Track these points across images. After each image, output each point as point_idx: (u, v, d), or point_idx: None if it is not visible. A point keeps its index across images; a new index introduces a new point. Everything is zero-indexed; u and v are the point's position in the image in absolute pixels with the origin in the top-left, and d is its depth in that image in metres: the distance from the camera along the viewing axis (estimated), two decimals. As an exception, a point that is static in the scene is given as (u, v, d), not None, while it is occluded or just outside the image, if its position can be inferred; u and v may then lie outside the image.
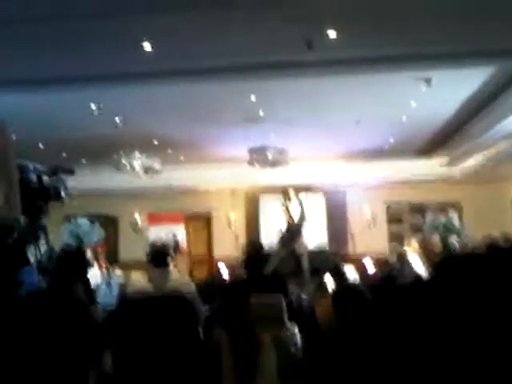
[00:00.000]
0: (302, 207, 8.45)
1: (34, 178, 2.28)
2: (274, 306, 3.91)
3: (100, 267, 8.88)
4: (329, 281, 6.68)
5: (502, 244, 7.62)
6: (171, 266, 4.57)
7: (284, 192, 8.72)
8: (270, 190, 11.96)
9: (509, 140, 8.98)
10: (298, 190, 13.09)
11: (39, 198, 2.24)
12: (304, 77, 6.53)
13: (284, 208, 8.52)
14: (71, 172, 2.45)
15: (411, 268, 7.51)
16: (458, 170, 11.92)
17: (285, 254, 7.89)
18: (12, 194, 1.89)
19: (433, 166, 12.07)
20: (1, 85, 6.51)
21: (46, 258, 2.42)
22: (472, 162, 11.09)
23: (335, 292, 3.59)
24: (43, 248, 2.33)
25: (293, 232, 8.40)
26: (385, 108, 8.19)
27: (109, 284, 7.40)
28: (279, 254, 6.64)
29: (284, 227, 8.51)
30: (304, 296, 7.72)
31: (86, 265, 5.28)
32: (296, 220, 8.42)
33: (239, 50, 5.74)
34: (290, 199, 8.49)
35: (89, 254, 8.09)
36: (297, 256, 8.33)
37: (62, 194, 2.33)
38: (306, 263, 8.42)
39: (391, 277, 7.43)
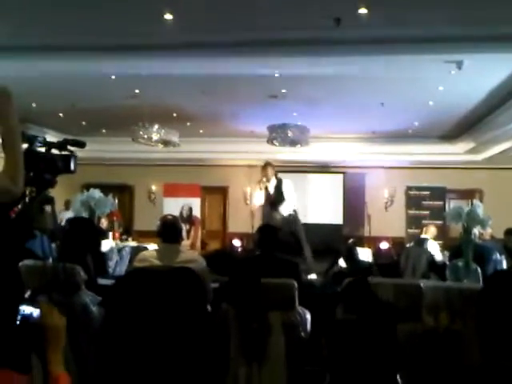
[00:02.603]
0: (279, 187, 8.16)
1: (42, 150, 2.17)
2: (285, 288, 3.83)
3: (114, 237, 8.90)
4: (341, 264, 6.61)
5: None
6: (184, 240, 4.49)
7: (262, 170, 8.33)
8: (289, 167, 11.83)
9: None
10: (315, 169, 13.03)
11: (47, 170, 2.13)
12: (330, 55, 6.33)
13: (262, 186, 8.21)
14: (82, 145, 2.33)
15: (428, 253, 7.40)
16: (481, 156, 11.68)
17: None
18: (17, 166, 1.78)
19: (456, 152, 11.84)
20: (21, 52, 6.42)
21: (52, 229, 2.33)
22: (496, 149, 10.83)
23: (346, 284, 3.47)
24: (49, 220, 2.23)
25: (272, 205, 8.17)
26: (411, 91, 7.97)
27: (121, 254, 7.40)
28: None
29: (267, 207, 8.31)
30: (314, 276, 7.62)
31: (97, 235, 5.25)
32: (274, 198, 8.16)
33: (264, 25, 5.57)
34: (268, 179, 8.16)
35: (104, 223, 8.10)
36: (295, 235, 8.14)
37: (72, 167, 2.22)
38: (304, 240, 8.22)
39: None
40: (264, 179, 8.19)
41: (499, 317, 1.51)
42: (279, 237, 4.52)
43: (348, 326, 2.43)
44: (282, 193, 8.10)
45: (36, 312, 1.71)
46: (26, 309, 1.71)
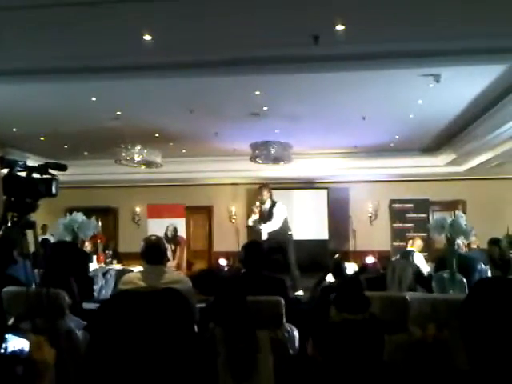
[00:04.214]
0: (271, 209, 8.42)
1: (23, 174, 2.15)
2: (272, 305, 3.82)
3: (98, 260, 8.84)
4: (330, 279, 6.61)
5: (504, 244, 7.56)
6: (169, 261, 4.47)
7: (259, 192, 8.65)
8: (273, 184, 11.85)
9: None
10: (299, 185, 13.09)
11: (28, 194, 2.11)
12: (310, 72, 6.39)
13: (257, 206, 8.48)
14: (63, 168, 2.32)
15: (414, 266, 7.44)
16: (463, 168, 11.80)
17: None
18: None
19: (438, 164, 11.96)
20: (1, 76, 6.40)
21: (34, 253, 2.31)
22: (477, 160, 10.96)
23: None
24: (31, 245, 2.21)
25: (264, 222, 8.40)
26: (391, 104, 8.05)
27: (106, 277, 7.34)
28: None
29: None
30: (300, 293, 7.64)
31: (83, 259, 5.21)
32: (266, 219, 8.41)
33: (244, 43, 5.61)
34: (263, 201, 8.45)
35: (87, 246, 8.04)
36: (283, 250, 8.29)
37: (53, 190, 2.20)
38: (292, 258, 8.36)
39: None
40: (259, 201, 8.45)
41: (484, 324, 1.52)
42: (266, 254, 4.51)
43: (340, 327, 2.43)
44: (271, 214, 8.31)
45: (26, 346, 1.68)
46: (15, 343, 1.67)
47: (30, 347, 1.66)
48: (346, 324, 2.52)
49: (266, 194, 8.49)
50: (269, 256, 7.39)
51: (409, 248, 8.16)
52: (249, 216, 9.00)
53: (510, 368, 1.48)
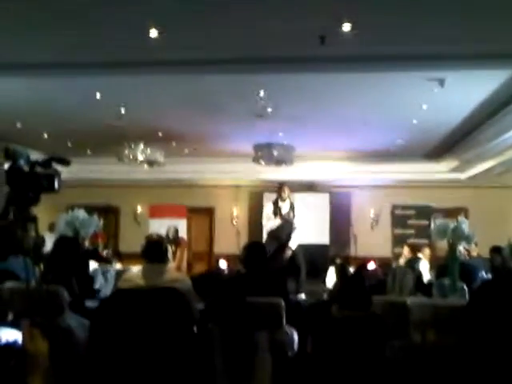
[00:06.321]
0: (293, 208, 8.40)
1: (26, 167, 2.14)
2: (272, 306, 3.80)
3: (99, 259, 8.80)
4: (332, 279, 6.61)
5: (507, 252, 7.55)
6: (169, 262, 4.45)
7: (279, 190, 8.64)
8: (275, 187, 11.84)
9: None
10: (300, 188, 13.07)
11: (31, 188, 2.10)
12: (315, 73, 6.38)
13: (275, 206, 8.46)
14: (67, 162, 2.30)
15: (416, 272, 7.44)
16: (466, 174, 11.78)
17: (277, 252, 7.85)
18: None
19: (441, 170, 11.93)
20: (5, 69, 6.39)
21: (35, 248, 2.29)
22: (480, 167, 10.94)
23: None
24: (32, 239, 2.20)
25: (282, 229, 8.38)
26: (395, 108, 8.03)
27: (105, 276, 7.32)
28: (270, 250, 6.61)
29: (274, 224, 8.49)
30: (302, 297, 7.62)
31: (84, 256, 5.19)
32: (287, 218, 8.38)
33: (249, 43, 5.60)
34: (283, 199, 8.43)
35: (87, 244, 8.01)
36: (292, 254, 8.28)
37: (56, 185, 2.19)
38: (301, 262, 8.34)
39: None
40: (280, 200, 8.44)
41: (487, 325, 1.50)
42: (267, 254, 4.50)
43: (343, 324, 2.41)
44: (292, 223, 8.34)
45: (19, 337, 1.67)
46: (8, 334, 1.67)
47: (24, 338, 1.65)
48: (348, 320, 2.50)
49: (286, 191, 8.52)
50: (276, 259, 7.45)
51: (419, 255, 8.27)
52: (252, 217, 8.99)
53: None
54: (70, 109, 8.25)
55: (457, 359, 1.85)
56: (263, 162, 10.77)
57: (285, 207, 8.42)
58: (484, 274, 6.69)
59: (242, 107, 8.11)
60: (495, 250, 7.50)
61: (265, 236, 8.74)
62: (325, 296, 6.72)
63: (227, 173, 12.37)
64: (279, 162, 10.75)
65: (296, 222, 8.35)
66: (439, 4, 4.65)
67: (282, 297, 3.89)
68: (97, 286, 6.89)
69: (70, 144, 10.72)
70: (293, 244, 8.35)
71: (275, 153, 10.42)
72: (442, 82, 6.44)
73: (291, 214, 8.36)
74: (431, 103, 7.48)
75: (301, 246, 8.60)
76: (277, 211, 8.40)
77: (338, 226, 13.11)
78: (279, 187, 8.69)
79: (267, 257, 4.44)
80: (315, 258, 11.36)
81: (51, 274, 3.73)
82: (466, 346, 1.59)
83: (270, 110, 8.12)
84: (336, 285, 6.35)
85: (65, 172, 2.31)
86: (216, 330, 3.73)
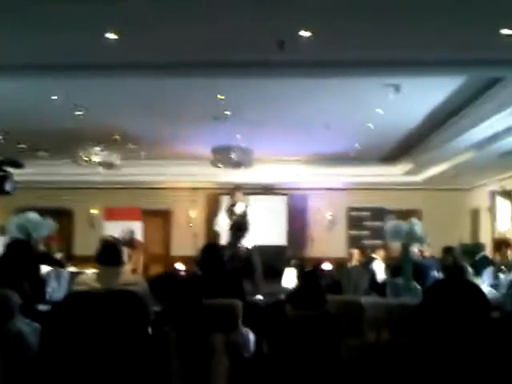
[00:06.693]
0: (245, 211, 8.42)
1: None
2: (228, 308, 3.80)
3: (51, 262, 8.60)
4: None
5: (458, 253, 7.77)
6: (124, 264, 4.39)
7: (232, 193, 8.64)
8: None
9: (472, 151, 9.07)
10: (258, 191, 13.11)
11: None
12: (273, 77, 6.41)
13: (228, 209, 8.47)
14: (20, 165, 2.25)
15: (371, 272, 7.58)
16: (420, 177, 12.04)
17: (231, 253, 7.86)
18: None
19: (396, 173, 12.16)
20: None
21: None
22: (434, 170, 11.20)
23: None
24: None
25: (237, 231, 8.38)
26: (352, 113, 8.14)
27: (58, 279, 7.17)
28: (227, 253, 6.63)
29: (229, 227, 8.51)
30: (260, 298, 7.64)
31: (36, 259, 5.07)
32: (240, 221, 8.40)
33: (208, 46, 5.57)
34: (235, 203, 8.44)
35: (40, 248, 7.83)
36: (247, 254, 8.30)
37: (8, 187, 2.14)
38: (257, 262, 8.37)
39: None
40: (232, 203, 8.43)
41: (440, 323, 1.54)
42: (224, 257, 4.49)
43: (297, 323, 2.43)
44: (246, 223, 8.32)
45: None
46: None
47: None
48: (302, 320, 2.52)
49: (239, 196, 8.49)
50: (232, 260, 7.45)
51: (373, 255, 8.41)
52: (210, 220, 8.97)
53: (465, 367, 1.50)
54: (24, 110, 8.04)
55: (411, 358, 1.90)
56: (221, 165, 10.75)
57: (238, 210, 8.45)
58: (436, 274, 6.86)
59: (200, 110, 8.07)
60: (447, 251, 7.71)
61: (221, 239, 8.70)
62: (282, 297, 6.75)
63: (184, 175, 12.30)
64: (237, 164, 10.75)
65: (249, 224, 8.34)
66: (396, 12, 4.72)
67: (239, 298, 3.88)
68: (49, 289, 6.75)
69: (24, 145, 10.44)
70: (248, 243, 8.35)
71: (233, 155, 10.42)
72: (397, 88, 6.57)
73: (245, 218, 8.37)
74: (387, 108, 7.60)
75: (257, 247, 8.61)
76: (230, 214, 8.41)
77: (296, 227, 13.22)
78: (232, 189, 8.72)
79: (223, 258, 4.43)
80: (273, 260, 11.41)
81: (1, 278, 3.63)
82: (420, 344, 1.63)
83: (228, 113, 8.12)
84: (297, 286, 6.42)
85: (17, 174, 2.25)
86: (172, 333, 3.70)
